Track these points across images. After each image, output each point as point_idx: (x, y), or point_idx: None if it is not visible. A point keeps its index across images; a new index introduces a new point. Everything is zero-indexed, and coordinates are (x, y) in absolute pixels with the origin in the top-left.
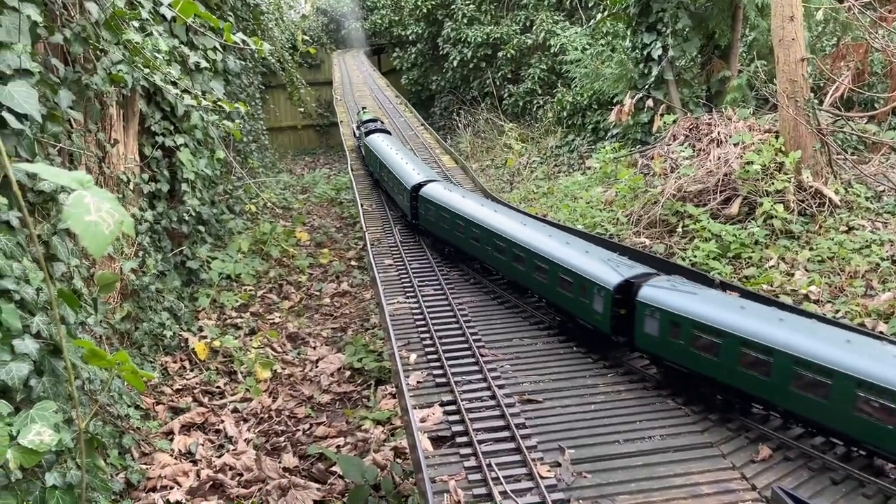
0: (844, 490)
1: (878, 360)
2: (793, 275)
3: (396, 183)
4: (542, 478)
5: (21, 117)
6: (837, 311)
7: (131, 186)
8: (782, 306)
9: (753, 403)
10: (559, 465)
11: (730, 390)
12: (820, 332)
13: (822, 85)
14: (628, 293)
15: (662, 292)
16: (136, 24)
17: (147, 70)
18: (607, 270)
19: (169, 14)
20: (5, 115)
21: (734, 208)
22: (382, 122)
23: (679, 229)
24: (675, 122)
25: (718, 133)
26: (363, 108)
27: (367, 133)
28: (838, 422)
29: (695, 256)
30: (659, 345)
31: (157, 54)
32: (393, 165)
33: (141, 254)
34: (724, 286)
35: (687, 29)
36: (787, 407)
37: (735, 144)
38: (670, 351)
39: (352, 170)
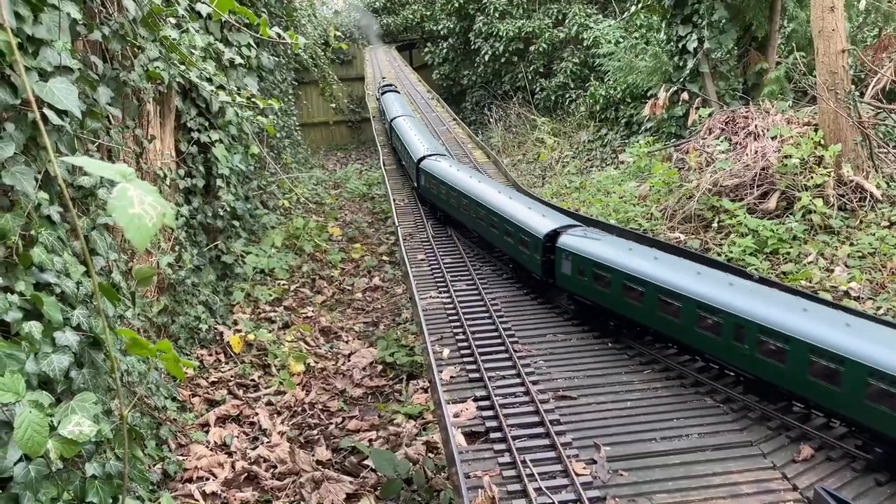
0: (890, 491)
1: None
2: (832, 271)
3: (385, 118)
4: (577, 475)
5: (61, 114)
6: (879, 308)
7: (167, 182)
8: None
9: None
10: (595, 462)
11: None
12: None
13: (863, 77)
14: (554, 240)
15: (575, 239)
16: (172, 20)
17: (183, 66)
18: (541, 221)
19: (204, 11)
20: (46, 111)
21: (772, 203)
22: (395, 86)
23: (715, 224)
24: (710, 115)
25: (756, 126)
26: (383, 77)
27: (383, 93)
28: (685, 334)
29: (731, 252)
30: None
31: (192, 51)
32: (386, 107)
33: (177, 248)
34: (763, 282)
35: (723, 20)
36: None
37: (773, 138)
38: (579, 287)
39: (384, 165)
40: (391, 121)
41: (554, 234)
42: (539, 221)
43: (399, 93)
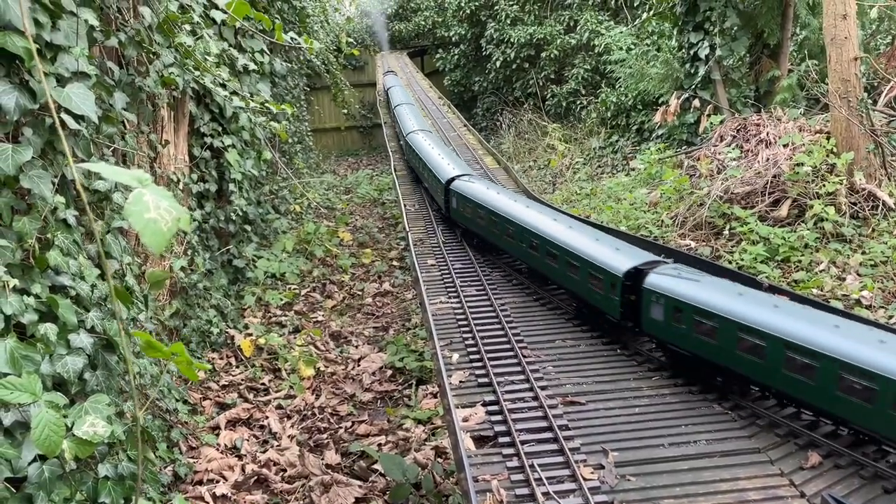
0: None
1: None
2: (844, 279)
3: (384, 87)
4: (585, 479)
5: (79, 118)
6: (891, 317)
7: (181, 186)
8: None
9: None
10: (603, 467)
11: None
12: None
13: (875, 84)
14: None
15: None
16: (187, 27)
17: (197, 72)
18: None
19: (219, 17)
20: (64, 116)
21: (783, 211)
22: (395, 73)
23: (726, 232)
24: (722, 122)
25: (767, 134)
26: (388, 67)
27: (384, 75)
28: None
29: (742, 259)
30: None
31: (207, 57)
32: (386, 83)
33: (190, 252)
34: (774, 290)
35: (735, 28)
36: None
37: (784, 145)
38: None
39: (395, 170)
40: (387, 92)
41: None
42: None
43: (396, 74)
